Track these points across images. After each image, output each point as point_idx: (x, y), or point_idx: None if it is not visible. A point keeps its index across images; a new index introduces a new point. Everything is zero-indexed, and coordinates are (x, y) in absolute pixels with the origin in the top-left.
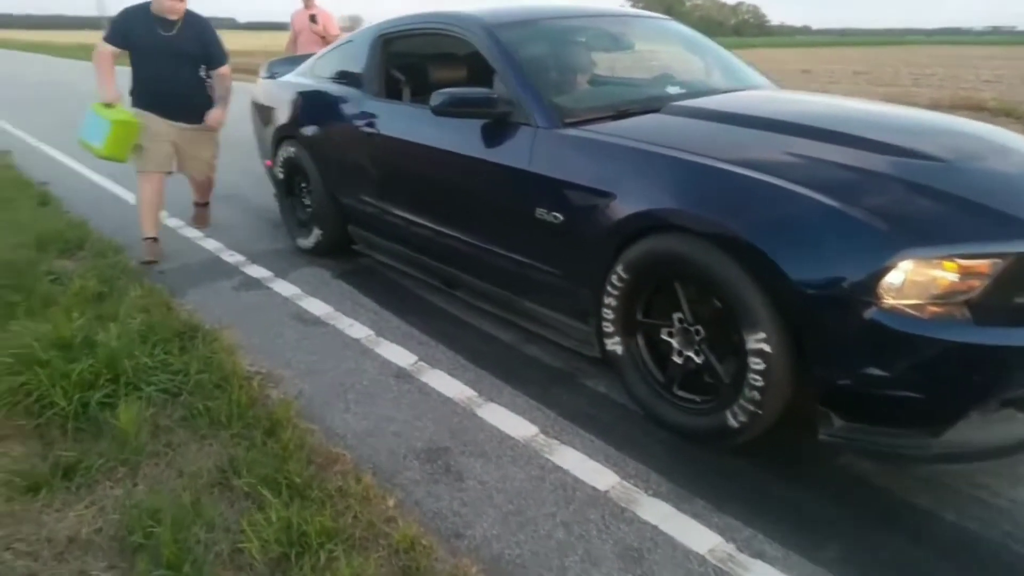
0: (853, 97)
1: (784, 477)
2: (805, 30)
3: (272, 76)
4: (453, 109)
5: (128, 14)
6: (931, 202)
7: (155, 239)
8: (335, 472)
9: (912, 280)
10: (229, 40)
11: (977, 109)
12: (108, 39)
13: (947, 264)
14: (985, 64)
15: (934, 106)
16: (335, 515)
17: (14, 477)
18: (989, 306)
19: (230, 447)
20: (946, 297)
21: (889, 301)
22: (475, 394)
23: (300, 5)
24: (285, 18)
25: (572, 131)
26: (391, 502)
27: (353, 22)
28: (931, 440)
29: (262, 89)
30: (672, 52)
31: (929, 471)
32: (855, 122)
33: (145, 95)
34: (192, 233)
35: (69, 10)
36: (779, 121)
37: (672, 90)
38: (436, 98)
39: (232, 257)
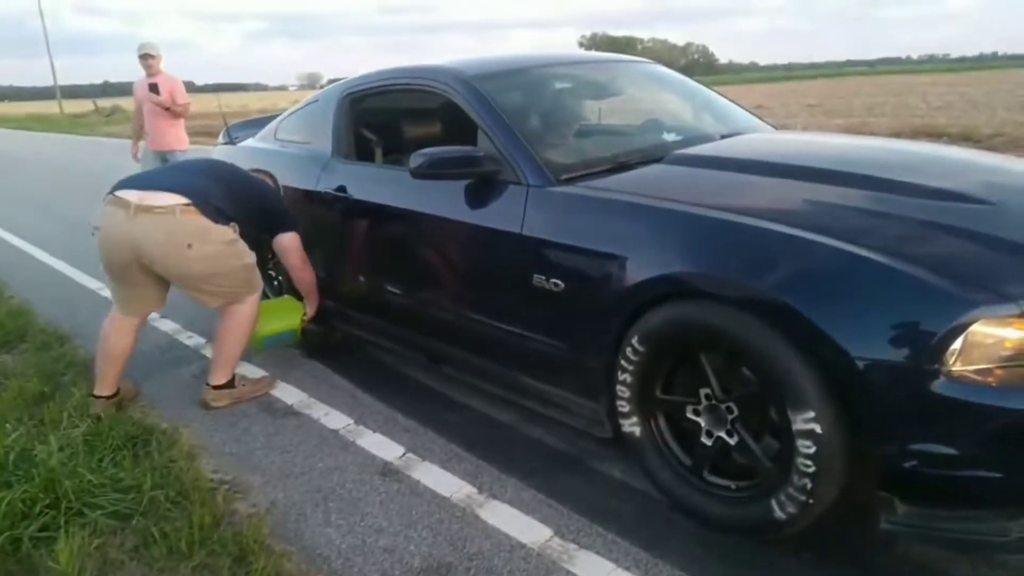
0: (840, 134)
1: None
2: (752, 67)
3: (231, 141)
4: (435, 171)
5: None
6: (991, 252)
7: None
8: None
9: (979, 343)
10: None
11: (938, 135)
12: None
13: (1017, 323)
14: (930, 91)
15: (896, 135)
16: None
17: None
18: None
19: None
20: (1016, 360)
21: (957, 368)
22: (475, 490)
23: (143, 73)
24: (244, 78)
25: (569, 188)
26: None
27: (312, 80)
28: (1009, 524)
29: (220, 156)
30: (658, 96)
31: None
32: (877, 163)
33: None
34: None
35: (23, 81)
36: (797, 167)
37: (669, 137)
38: (416, 160)
39: (191, 339)
